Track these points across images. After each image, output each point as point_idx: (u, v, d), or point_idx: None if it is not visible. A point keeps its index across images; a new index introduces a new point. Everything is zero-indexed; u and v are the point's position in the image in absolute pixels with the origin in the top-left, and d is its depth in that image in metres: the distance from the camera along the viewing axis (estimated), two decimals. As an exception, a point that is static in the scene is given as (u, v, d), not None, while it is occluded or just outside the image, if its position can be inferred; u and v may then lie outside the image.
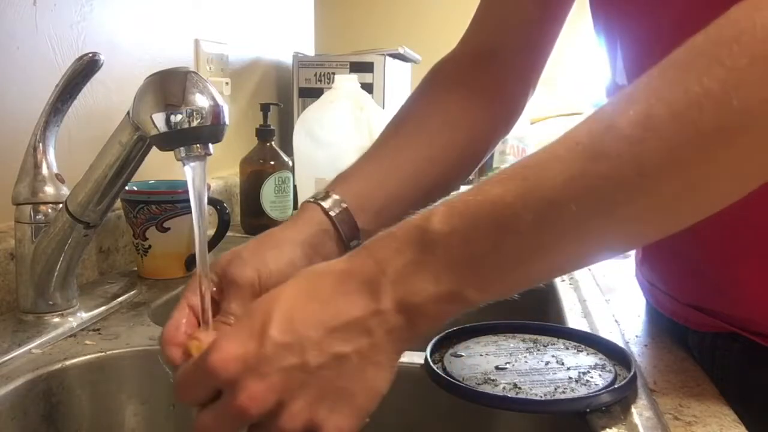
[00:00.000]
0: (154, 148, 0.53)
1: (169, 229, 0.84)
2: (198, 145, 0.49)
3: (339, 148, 1.14)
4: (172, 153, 0.50)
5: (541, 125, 1.68)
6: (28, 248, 0.67)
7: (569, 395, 0.50)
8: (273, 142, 1.15)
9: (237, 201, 1.19)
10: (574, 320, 0.71)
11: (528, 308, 0.65)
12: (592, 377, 0.53)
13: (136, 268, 0.88)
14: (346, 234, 0.56)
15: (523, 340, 0.61)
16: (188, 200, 0.49)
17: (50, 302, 0.68)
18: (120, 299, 0.77)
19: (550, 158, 0.38)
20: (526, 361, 0.56)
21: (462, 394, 0.52)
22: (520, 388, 0.51)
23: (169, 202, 0.84)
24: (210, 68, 1.20)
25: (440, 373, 0.54)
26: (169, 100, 0.48)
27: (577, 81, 1.82)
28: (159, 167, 0.89)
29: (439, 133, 0.63)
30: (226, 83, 1.26)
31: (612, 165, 0.35)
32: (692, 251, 0.58)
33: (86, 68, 0.64)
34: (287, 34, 1.64)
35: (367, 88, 1.35)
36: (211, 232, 0.89)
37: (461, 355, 0.57)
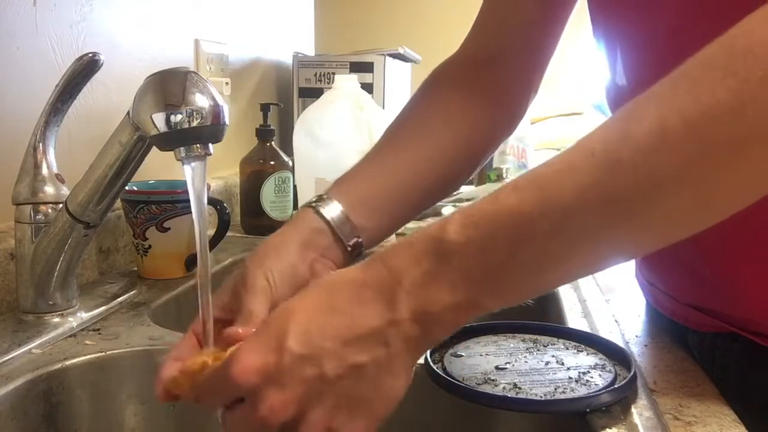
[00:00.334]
0: (154, 148, 0.53)
1: (169, 229, 0.84)
2: (198, 145, 0.49)
3: (339, 148, 1.14)
4: (172, 153, 0.50)
5: (541, 125, 1.68)
6: (28, 248, 0.67)
7: (569, 395, 0.50)
8: (273, 142, 1.15)
9: (237, 201, 1.19)
10: (574, 320, 0.71)
11: (528, 308, 0.65)
12: (592, 377, 0.53)
13: (136, 268, 0.88)
14: (344, 233, 0.56)
15: (523, 340, 0.61)
16: (188, 200, 0.50)
17: (50, 302, 0.68)
18: (120, 299, 0.77)
19: (565, 168, 0.38)
20: (526, 361, 0.56)
21: (462, 394, 0.52)
22: (520, 388, 0.51)
23: (169, 202, 0.84)
24: (210, 68, 1.20)
25: (440, 373, 0.54)
26: (169, 100, 0.48)
27: (578, 81, 1.82)
28: (159, 167, 0.89)
29: (440, 133, 0.63)
30: (226, 83, 1.26)
31: (628, 176, 0.35)
32: (692, 252, 0.58)
33: (86, 68, 0.64)
34: (287, 34, 1.64)
35: (367, 88, 1.35)
36: (211, 232, 0.89)
37: (461, 355, 0.57)
